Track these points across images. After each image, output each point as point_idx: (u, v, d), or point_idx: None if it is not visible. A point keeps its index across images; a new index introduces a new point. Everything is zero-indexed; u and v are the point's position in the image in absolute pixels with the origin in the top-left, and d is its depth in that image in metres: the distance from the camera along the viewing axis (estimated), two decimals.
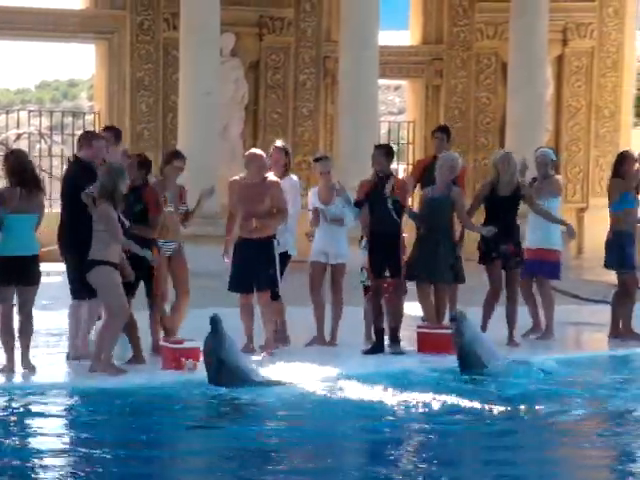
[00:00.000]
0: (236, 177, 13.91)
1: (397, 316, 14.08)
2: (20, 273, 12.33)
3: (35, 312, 13.71)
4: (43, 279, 14.10)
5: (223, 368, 11.87)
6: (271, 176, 13.80)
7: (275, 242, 13.59)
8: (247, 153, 14.27)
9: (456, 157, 14.87)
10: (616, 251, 15.06)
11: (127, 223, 12.43)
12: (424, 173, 15.58)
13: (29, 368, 12.53)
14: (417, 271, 14.32)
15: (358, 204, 14.02)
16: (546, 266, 15.08)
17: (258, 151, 14.20)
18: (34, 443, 10.25)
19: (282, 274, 14.00)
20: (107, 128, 15.19)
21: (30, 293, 12.49)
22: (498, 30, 22.11)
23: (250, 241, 13.56)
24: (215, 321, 11.82)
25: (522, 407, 11.29)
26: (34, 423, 11.02)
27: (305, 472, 9.44)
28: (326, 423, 10.99)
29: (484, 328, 14.20)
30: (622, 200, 15.07)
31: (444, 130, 16.34)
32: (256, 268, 13.55)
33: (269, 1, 21.76)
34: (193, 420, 11.23)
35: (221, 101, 19.90)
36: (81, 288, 12.88)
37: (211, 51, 19.49)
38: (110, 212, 12.33)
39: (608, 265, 15.20)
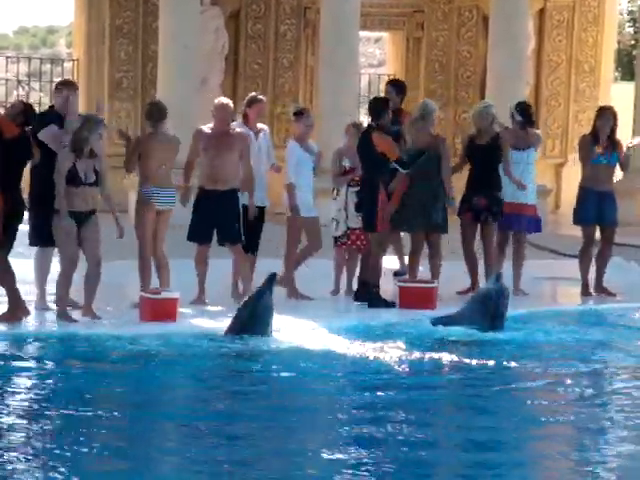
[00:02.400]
0: (203, 127, 13.89)
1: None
2: None
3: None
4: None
5: (251, 321, 12.10)
6: (239, 128, 13.87)
7: (239, 194, 13.64)
8: (215, 102, 14.17)
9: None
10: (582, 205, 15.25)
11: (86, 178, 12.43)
12: None
13: None
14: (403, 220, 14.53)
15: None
16: (523, 220, 15.10)
17: (225, 100, 14.18)
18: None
19: (262, 228, 14.14)
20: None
21: None
22: None
23: (214, 192, 13.63)
24: (271, 280, 12.12)
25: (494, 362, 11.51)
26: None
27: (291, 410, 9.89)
28: (314, 373, 11.12)
29: None
30: (598, 157, 15.08)
31: (394, 84, 16.10)
32: (220, 221, 13.59)
33: None
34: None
35: (201, 51, 19.85)
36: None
37: (191, 0, 19.66)
38: (60, 161, 12.43)
39: (577, 220, 15.35)
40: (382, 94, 17.14)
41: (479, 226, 14.84)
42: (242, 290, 13.70)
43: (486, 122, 14.92)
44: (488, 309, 12.93)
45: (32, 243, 13.16)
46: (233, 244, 13.72)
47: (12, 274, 12.60)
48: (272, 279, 12.24)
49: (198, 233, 13.73)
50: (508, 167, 14.81)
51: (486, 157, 14.76)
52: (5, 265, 12.58)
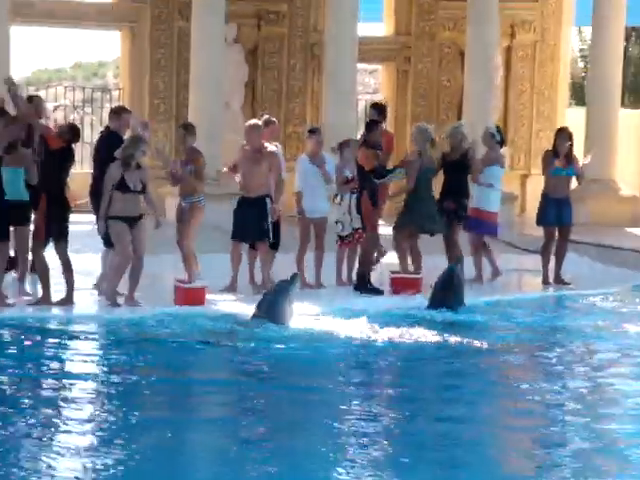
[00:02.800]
0: (245, 143, 13.80)
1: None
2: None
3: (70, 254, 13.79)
4: (76, 227, 14.16)
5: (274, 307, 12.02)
6: (269, 146, 13.74)
7: (268, 200, 13.54)
8: (246, 124, 14.14)
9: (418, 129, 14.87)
10: (544, 210, 15.22)
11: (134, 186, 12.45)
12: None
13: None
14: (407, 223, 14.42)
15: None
16: (484, 225, 15.10)
17: (254, 121, 14.18)
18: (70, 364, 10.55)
19: (279, 231, 13.97)
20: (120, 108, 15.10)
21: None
22: (457, 24, 21.98)
23: (246, 199, 13.61)
24: (293, 278, 12.17)
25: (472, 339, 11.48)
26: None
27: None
28: (321, 348, 11.14)
29: None
30: (556, 169, 15.03)
31: (375, 107, 15.89)
32: (250, 222, 13.50)
33: None
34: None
35: (225, 80, 19.78)
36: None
37: (217, 38, 19.45)
38: (110, 173, 12.45)
39: (539, 222, 15.31)
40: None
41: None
42: (262, 280, 13.61)
43: (456, 140, 14.89)
44: (444, 291, 13.07)
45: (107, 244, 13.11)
46: (261, 241, 13.60)
47: (47, 267, 12.58)
48: (294, 278, 12.24)
49: (236, 232, 13.66)
50: (476, 177, 14.84)
51: (456, 170, 14.70)
52: (64, 258, 12.53)
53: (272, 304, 12.05)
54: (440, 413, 9.05)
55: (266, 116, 14.92)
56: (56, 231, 12.45)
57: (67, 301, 12.55)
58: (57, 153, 12.47)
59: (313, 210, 14.23)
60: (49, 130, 12.87)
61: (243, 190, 13.75)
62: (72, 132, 12.85)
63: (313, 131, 14.90)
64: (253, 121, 14.29)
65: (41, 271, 12.56)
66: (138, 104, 20.85)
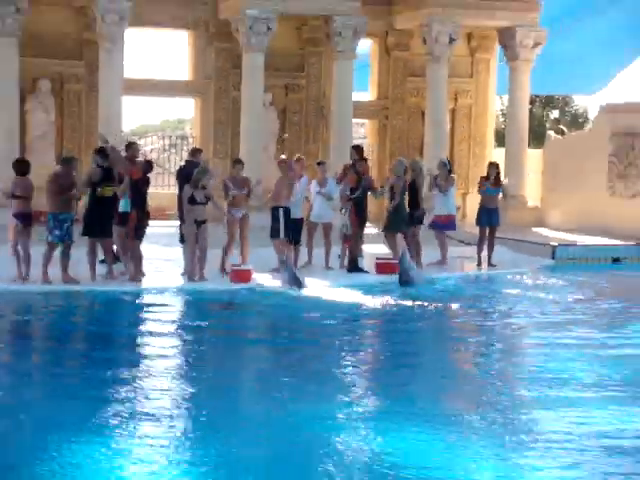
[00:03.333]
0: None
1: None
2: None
3: (160, 248, 13.86)
4: (166, 229, 14.23)
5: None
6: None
7: (281, 210, 13.28)
8: (279, 160, 14.19)
9: (400, 162, 14.68)
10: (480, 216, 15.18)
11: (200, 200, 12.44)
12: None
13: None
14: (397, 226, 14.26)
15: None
16: (445, 224, 14.91)
17: (284, 156, 14.24)
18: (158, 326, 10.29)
19: (300, 232, 13.75)
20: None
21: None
22: (420, 92, 21.87)
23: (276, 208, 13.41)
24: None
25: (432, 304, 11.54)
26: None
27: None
28: (322, 313, 10.99)
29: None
30: (487, 189, 15.19)
31: (355, 148, 15.19)
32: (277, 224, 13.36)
33: (290, 73, 21.44)
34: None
35: (264, 131, 19.87)
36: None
37: (258, 103, 19.60)
38: (185, 191, 12.48)
39: (482, 223, 15.21)
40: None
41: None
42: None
43: (417, 169, 14.63)
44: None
45: (181, 241, 13.09)
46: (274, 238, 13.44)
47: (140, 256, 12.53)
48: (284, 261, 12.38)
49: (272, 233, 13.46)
50: (420, 194, 14.51)
51: (416, 189, 14.54)
52: (138, 251, 12.47)
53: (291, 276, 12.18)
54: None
55: (297, 155, 15.01)
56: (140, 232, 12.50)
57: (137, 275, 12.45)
58: (138, 181, 12.42)
59: (320, 217, 14.16)
60: (132, 167, 12.64)
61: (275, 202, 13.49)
62: (147, 166, 12.86)
63: (320, 163, 14.92)
64: (282, 156, 14.32)
65: (137, 258, 12.46)
66: (205, 147, 20.72)
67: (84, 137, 20.03)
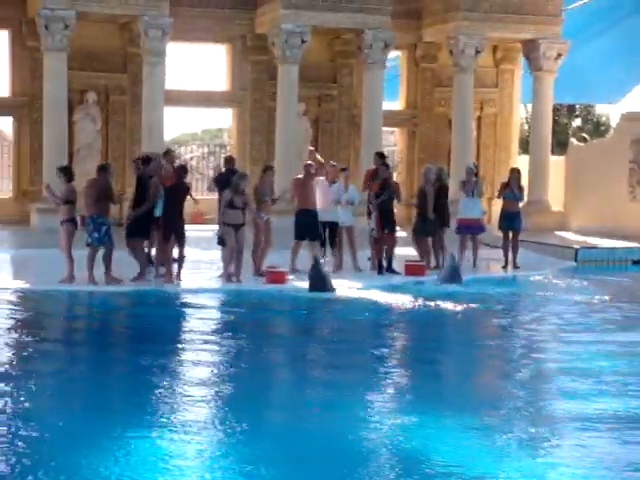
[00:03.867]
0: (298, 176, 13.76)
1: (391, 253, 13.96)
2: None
3: (199, 251, 13.85)
4: (203, 233, 14.19)
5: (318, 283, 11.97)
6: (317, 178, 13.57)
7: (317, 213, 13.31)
8: (305, 164, 14.05)
9: (428, 169, 14.67)
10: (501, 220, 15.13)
11: (238, 204, 12.38)
12: (371, 179, 14.41)
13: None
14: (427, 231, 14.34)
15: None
16: (473, 227, 14.79)
17: (310, 162, 14.07)
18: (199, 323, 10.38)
19: (335, 236, 13.58)
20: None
21: None
22: (447, 102, 21.85)
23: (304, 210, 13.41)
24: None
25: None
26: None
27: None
28: (354, 312, 11.07)
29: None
30: (506, 194, 15.18)
31: (379, 154, 14.89)
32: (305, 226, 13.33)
33: (324, 84, 21.52)
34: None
35: (298, 139, 19.89)
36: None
37: (293, 113, 19.68)
38: (225, 196, 12.44)
39: (504, 228, 15.13)
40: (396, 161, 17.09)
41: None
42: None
43: (443, 175, 14.73)
44: (448, 273, 12.98)
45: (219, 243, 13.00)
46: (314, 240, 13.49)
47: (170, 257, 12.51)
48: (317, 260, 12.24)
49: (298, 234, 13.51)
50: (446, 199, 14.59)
51: (442, 194, 14.53)
52: (168, 254, 12.45)
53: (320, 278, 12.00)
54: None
55: (332, 162, 14.98)
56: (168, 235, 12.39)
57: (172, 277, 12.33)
58: (172, 188, 12.33)
59: (342, 221, 13.87)
60: (164, 176, 12.61)
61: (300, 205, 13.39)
62: (181, 171, 12.67)
63: (343, 169, 14.75)
64: (308, 161, 14.10)
65: (168, 260, 12.38)
66: (242, 155, 21.00)
67: (128, 146, 20.25)
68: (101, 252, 12.11)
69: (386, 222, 13.83)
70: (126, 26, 19.53)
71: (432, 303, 11.41)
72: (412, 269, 13.82)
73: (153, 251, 13.10)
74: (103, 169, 12.48)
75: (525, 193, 15.68)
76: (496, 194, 16.62)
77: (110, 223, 12.15)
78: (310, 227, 13.36)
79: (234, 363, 8.24)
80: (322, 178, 13.84)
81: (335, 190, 13.87)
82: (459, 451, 5.80)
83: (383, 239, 13.90)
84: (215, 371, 7.92)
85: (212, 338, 9.40)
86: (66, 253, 12.09)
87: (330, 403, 6.94)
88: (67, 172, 12.42)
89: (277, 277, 12.73)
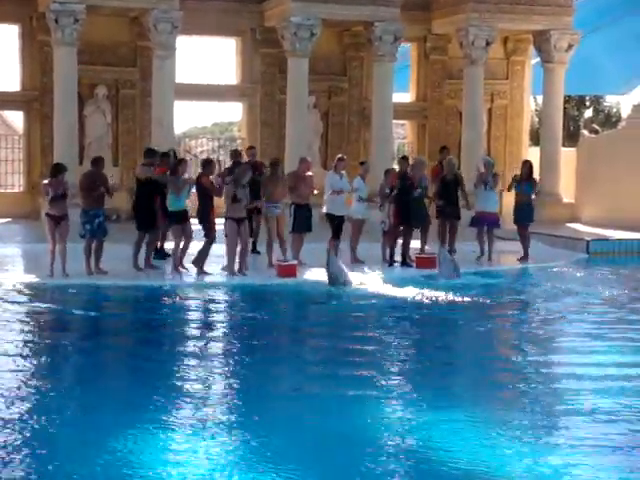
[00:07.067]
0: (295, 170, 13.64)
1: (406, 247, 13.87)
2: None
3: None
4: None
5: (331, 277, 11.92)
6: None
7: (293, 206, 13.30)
8: (301, 158, 13.93)
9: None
10: (514, 213, 15.03)
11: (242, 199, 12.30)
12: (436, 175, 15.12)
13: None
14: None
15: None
16: (488, 221, 14.65)
17: (309, 158, 14.12)
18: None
19: (342, 227, 13.60)
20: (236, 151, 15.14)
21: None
22: (457, 94, 21.71)
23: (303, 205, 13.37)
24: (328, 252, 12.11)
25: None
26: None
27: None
28: (367, 303, 11.03)
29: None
30: (518, 187, 15.04)
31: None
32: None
33: (334, 77, 21.41)
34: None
35: (308, 132, 19.91)
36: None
37: (303, 105, 19.66)
38: (227, 190, 12.29)
39: (514, 221, 15.08)
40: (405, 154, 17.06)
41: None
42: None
43: (452, 167, 14.78)
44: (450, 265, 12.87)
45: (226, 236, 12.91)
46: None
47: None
48: (329, 252, 12.18)
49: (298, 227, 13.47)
50: (464, 190, 14.67)
51: (451, 186, 14.54)
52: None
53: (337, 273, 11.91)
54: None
55: (340, 155, 14.85)
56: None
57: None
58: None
59: (358, 212, 13.86)
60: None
61: (299, 199, 13.29)
62: (208, 164, 12.76)
63: (362, 163, 14.73)
64: (307, 157, 14.14)
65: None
66: None
67: (138, 140, 20.20)
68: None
69: (404, 217, 13.73)
70: (136, 20, 19.46)
71: (447, 297, 11.33)
72: (423, 262, 13.76)
73: (166, 245, 13.17)
74: (95, 162, 12.56)
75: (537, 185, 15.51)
76: (507, 186, 16.51)
77: (104, 214, 12.21)
78: (309, 220, 13.40)
79: (258, 358, 8.22)
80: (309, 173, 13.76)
81: (355, 184, 13.87)
82: (480, 448, 5.73)
83: (396, 233, 13.85)
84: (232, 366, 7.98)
85: (219, 333, 9.46)
86: (51, 246, 12.03)
87: (345, 399, 6.89)
88: (52, 169, 12.37)
89: (288, 270, 12.66)
